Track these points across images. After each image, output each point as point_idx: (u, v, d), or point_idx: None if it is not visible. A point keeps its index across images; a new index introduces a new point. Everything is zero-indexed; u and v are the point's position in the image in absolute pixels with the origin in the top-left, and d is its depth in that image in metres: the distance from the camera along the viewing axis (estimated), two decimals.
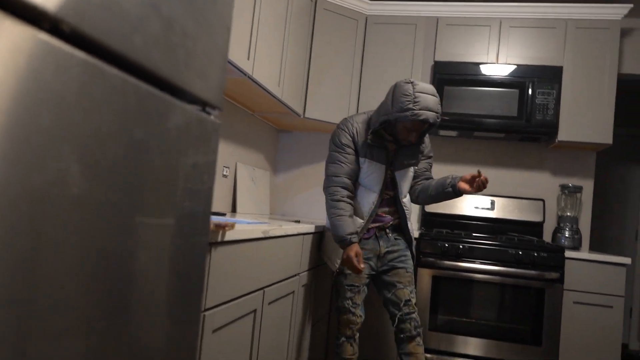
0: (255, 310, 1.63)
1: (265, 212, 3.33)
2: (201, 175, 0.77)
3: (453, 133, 3.28)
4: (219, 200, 2.75)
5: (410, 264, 2.35)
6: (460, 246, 2.76)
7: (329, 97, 3.17)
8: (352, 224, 2.18)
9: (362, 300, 2.31)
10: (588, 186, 3.29)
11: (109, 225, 0.60)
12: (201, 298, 1.15)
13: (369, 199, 2.28)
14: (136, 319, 0.71)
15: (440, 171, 3.46)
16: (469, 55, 3.14)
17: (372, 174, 2.25)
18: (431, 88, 2.10)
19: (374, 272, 2.34)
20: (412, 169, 2.35)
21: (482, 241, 2.76)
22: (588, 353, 2.65)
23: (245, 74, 2.17)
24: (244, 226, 1.52)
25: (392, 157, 2.29)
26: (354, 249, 2.12)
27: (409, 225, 2.35)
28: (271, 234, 1.67)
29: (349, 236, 2.14)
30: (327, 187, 2.26)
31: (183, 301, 0.98)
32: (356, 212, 2.30)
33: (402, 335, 2.28)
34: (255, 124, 3.19)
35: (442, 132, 3.30)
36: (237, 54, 2.04)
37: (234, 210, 2.93)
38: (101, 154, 0.57)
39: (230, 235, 1.32)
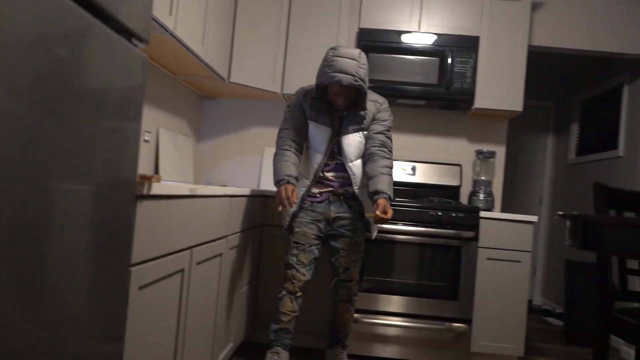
0: (183, 270, 1.59)
1: (188, 180, 3.24)
2: (128, 107, 0.73)
3: None
4: (141, 166, 2.64)
5: (358, 233, 2.43)
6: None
7: (255, 62, 3.11)
8: (294, 170, 2.26)
9: (308, 260, 2.37)
10: (500, 152, 3.50)
11: (33, 147, 0.56)
12: (130, 252, 1.11)
13: (315, 159, 2.38)
14: (53, 282, 0.67)
15: None
16: (392, 23, 3.20)
17: (317, 135, 2.36)
18: (352, 52, 2.19)
19: (322, 235, 2.42)
20: (360, 135, 2.38)
21: (404, 204, 2.87)
22: (499, 304, 2.85)
23: (167, 30, 2.07)
24: (171, 184, 1.48)
25: (338, 123, 2.37)
26: (289, 187, 2.18)
27: (356, 190, 2.39)
28: (198, 192, 1.63)
29: (287, 177, 2.22)
30: (277, 142, 2.39)
31: (109, 256, 0.94)
32: (304, 172, 2.43)
33: (335, 298, 2.47)
34: (177, 88, 3.08)
35: None
36: (158, 8, 1.94)
37: None
38: (19, 64, 0.52)
39: (156, 189, 1.27)
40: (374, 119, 2.39)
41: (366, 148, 2.38)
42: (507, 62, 3.18)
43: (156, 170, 2.83)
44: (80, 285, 0.79)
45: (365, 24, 3.20)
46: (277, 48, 3.18)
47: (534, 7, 3.48)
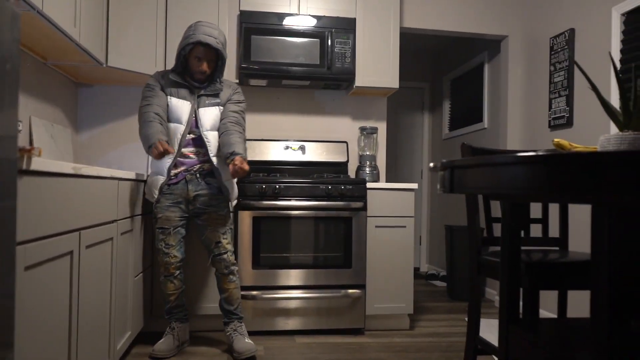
0: (72, 252, 1.53)
1: None
2: (3, 62, 0.71)
3: (263, 82, 3.40)
4: None
5: (221, 206, 2.55)
6: (277, 186, 2.93)
7: (134, 46, 3.00)
8: (163, 136, 2.37)
9: (177, 241, 2.52)
10: (382, 127, 3.72)
11: None
12: (14, 230, 1.07)
13: (177, 131, 2.50)
14: None
15: (254, 121, 3.57)
16: (273, 6, 3.26)
17: (178, 109, 2.52)
18: (214, 25, 2.55)
19: (186, 215, 2.55)
20: (217, 110, 2.58)
21: (296, 179, 2.96)
22: (389, 268, 3.06)
23: (33, 8, 1.94)
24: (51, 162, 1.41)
25: (196, 97, 2.56)
26: (162, 141, 2.32)
27: (213, 159, 2.51)
28: (83, 171, 1.57)
29: (158, 138, 2.34)
30: (140, 117, 2.49)
31: None
32: (160, 162, 2.50)
33: (216, 274, 2.57)
34: (49, 75, 2.88)
35: (253, 82, 3.40)
36: None
37: None
38: None
39: (38, 165, 1.22)
40: (229, 100, 2.61)
41: (222, 123, 2.55)
42: (383, 42, 3.39)
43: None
44: None
45: (246, 6, 3.22)
46: (156, 30, 3.10)
47: None
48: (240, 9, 3.22)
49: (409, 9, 3.75)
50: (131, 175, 2.27)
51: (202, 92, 2.57)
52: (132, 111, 3.45)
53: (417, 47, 5.36)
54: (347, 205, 2.97)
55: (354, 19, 3.31)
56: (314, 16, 3.25)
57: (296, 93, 3.63)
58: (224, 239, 2.53)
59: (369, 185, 3.05)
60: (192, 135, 2.55)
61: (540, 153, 1.04)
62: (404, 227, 3.09)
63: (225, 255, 2.53)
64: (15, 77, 0.75)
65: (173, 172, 2.51)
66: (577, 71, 3.20)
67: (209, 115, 2.56)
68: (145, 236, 2.66)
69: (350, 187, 3.00)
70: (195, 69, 2.50)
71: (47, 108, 2.88)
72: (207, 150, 2.53)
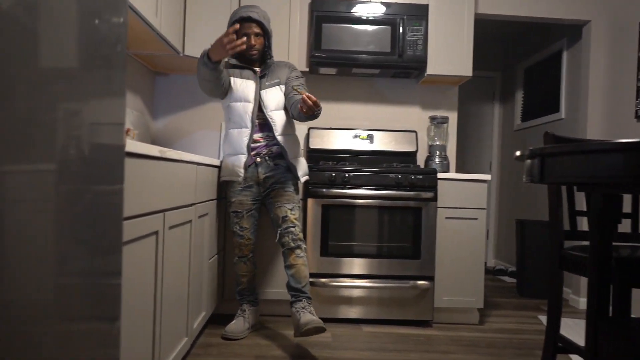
0: (157, 232, 1.60)
1: None
2: (115, 42, 0.74)
3: (332, 70, 3.39)
4: None
5: (289, 184, 2.60)
6: (346, 174, 2.92)
7: (210, 34, 3.07)
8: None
9: (251, 224, 2.61)
10: (453, 117, 3.63)
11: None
12: (122, 210, 1.12)
13: (246, 110, 2.56)
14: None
15: (322, 109, 3.57)
16: None
17: (244, 88, 2.57)
18: (256, 5, 2.67)
19: (258, 199, 2.63)
20: (278, 90, 2.61)
21: (365, 168, 2.94)
22: (459, 260, 2.99)
23: None
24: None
25: (258, 79, 2.61)
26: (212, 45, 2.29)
27: (279, 138, 2.56)
28: (168, 155, 1.63)
29: (201, 56, 2.35)
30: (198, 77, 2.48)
31: (103, 209, 0.95)
32: (236, 143, 2.57)
33: (283, 250, 2.54)
34: (130, 64, 3.01)
35: (322, 70, 3.39)
36: None
37: None
38: None
39: (131, 147, 1.27)
40: (288, 78, 2.63)
41: (288, 99, 2.57)
42: (456, 29, 3.29)
43: None
44: (69, 243, 0.80)
45: None
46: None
47: None
48: None
49: None
50: (208, 160, 2.34)
51: (263, 76, 2.62)
52: (204, 99, 3.54)
53: (488, 34, 5.17)
54: (417, 195, 2.92)
55: (427, 5, 3.23)
56: (384, 3, 3.20)
57: (365, 82, 3.60)
58: (291, 213, 2.54)
59: (439, 175, 2.99)
60: (259, 120, 2.59)
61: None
62: (476, 219, 3.00)
63: (292, 229, 2.51)
64: (122, 60, 0.78)
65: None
66: None
67: (272, 95, 2.59)
68: (219, 220, 2.73)
69: (421, 176, 2.95)
70: (247, 45, 2.51)
71: (129, 96, 3.01)
72: (273, 131, 2.57)
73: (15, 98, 0.56)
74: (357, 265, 2.94)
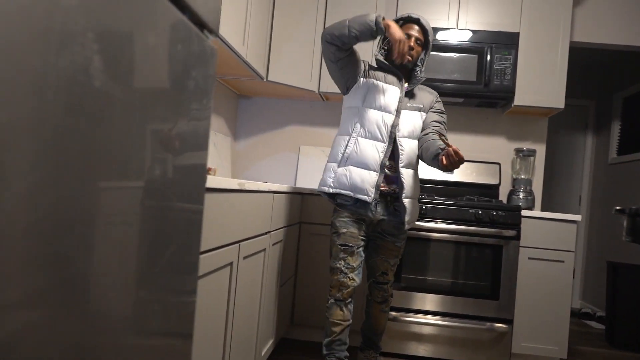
0: (231, 263, 1.61)
1: (226, 177, 3.28)
2: (201, 98, 0.75)
3: None
4: None
5: (400, 238, 2.25)
6: (424, 207, 2.83)
7: (292, 61, 3.13)
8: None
9: (357, 263, 2.17)
10: (540, 150, 3.43)
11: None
12: (199, 242, 1.13)
13: (385, 122, 2.12)
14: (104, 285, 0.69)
15: None
16: (431, 20, 3.18)
17: (385, 92, 2.14)
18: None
19: (366, 236, 2.23)
20: (418, 116, 2.20)
21: (444, 201, 2.84)
22: (541, 305, 2.80)
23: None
24: (220, 178, 1.50)
25: (403, 92, 2.19)
26: (389, 21, 1.96)
27: (401, 168, 2.12)
28: (247, 187, 1.65)
29: (371, 15, 1.96)
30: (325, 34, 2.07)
31: (182, 243, 0.96)
32: (371, 160, 2.11)
33: (370, 299, 2.40)
34: (216, 88, 3.12)
35: None
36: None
37: None
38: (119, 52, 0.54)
39: (210, 183, 1.30)
40: (432, 108, 2.25)
41: (423, 133, 2.19)
42: (548, 58, 3.12)
43: None
44: (148, 276, 0.81)
45: None
46: (314, 44, 3.19)
47: (576, 2, 3.41)
48: None
49: (581, 22, 3.41)
50: (285, 188, 2.35)
51: (409, 87, 2.21)
52: (286, 122, 3.60)
53: (582, 61, 4.88)
54: (498, 232, 2.77)
55: (517, 34, 3.10)
56: (472, 30, 3.10)
57: (448, 109, 3.50)
58: (391, 270, 2.31)
59: (524, 212, 2.82)
60: (390, 146, 2.15)
61: None
62: (562, 261, 2.80)
63: (386, 286, 2.34)
64: (208, 114, 0.78)
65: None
66: None
67: (409, 118, 2.16)
68: (292, 246, 2.73)
69: (503, 213, 2.80)
70: (395, 51, 2.05)
71: (213, 118, 3.11)
72: (398, 160, 2.13)
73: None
74: (430, 301, 2.83)
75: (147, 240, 0.77)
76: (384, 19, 1.97)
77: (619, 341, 3.57)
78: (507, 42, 3.09)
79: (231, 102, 3.45)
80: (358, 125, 2.15)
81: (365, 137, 2.13)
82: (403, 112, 2.15)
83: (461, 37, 3.10)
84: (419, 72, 2.21)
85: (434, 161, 2.04)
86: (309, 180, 3.52)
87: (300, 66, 3.15)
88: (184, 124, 0.72)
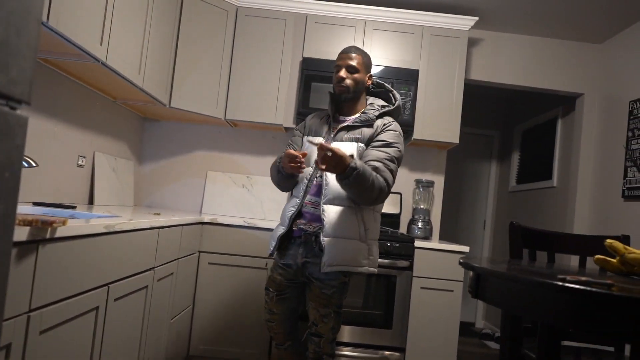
0: (97, 308, 1.57)
1: (128, 203, 3.20)
2: (2, 172, 0.73)
3: None
4: (73, 191, 2.59)
5: (329, 284, 1.99)
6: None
7: (198, 88, 3.11)
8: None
9: (280, 310, 2.11)
10: (439, 181, 3.60)
11: None
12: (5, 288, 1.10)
13: (303, 177, 2.08)
14: None
15: None
16: (335, 54, 3.27)
17: (308, 149, 2.08)
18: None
19: (296, 282, 2.10)
20: (354, 147, 2.01)
21: None
22: (432, 332, 2.91)
23: (97, 60, 2.06)
24: (84, 221, 1.46)
25: (332, 131, 2.11)
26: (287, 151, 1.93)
27: (322, 203, 1.97)
28: (117, 228, 1.62)
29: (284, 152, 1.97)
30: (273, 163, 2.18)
31: None
32: (294, 191, 2.13)
33: (307, 353, 2.16)
34: (117, 111, 3.05)
35: None
36: (87, 38, 1.93)
37: (91, 202, 2.78)
38: None
39: (63, 232, 1.26)
40: (373, 137, 2.03)
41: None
42: (445, 95, 3.29)
43: (91, 195, 2.78)
44: None
45: (309, 54, 3.26)
46: (220, 73, 3.19)
47: (471, 43, 3.63)
48: (303, 55, 3.26)
49: (477, 62, 3.63)
50: (176, 221, 2.32)
51: (343, 127, 2.07)
52: (194, 147, 3.56)
53: (489, 94, 5.19)
54: (393, 263, 2.87)
55: (417, 71, 3.25)
56: (376, 65, 3.22)
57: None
58: (322, 322, 2.03)
59: (417, 243, 2.94)
60: (316, 181, 2.06)
61: (573, 280, 0.93)
62: (451, 291, 2.94)
63: (318, 340, 2.06)
64: (13, 191, 0.77)
65: (295, 226, 2.05)
66: None
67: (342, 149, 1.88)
68: (187, 277, 2.69)
69: (397, 244, 2.90)
70: (334, 81, 2.09)
71: (113, 142, 3.03)
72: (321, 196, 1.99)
73: None
74: None
75: None
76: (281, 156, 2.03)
77: None
78: (407, 78, 3.23)
79: (135, 125, 3.38)
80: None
81: (290, 196, 2.18)
82: (336, 144, 2.01)
83: None
84: (369, 104, 2.12)
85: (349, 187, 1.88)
86: (216, 207, 3.49)
87: (206, 93, 3.14)
88: None
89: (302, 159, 1.90)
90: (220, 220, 2.88)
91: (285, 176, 2.08)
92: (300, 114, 3.17)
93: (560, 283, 0.93)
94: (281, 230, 2.07)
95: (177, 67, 3.03)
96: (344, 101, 2.11)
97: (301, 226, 2.04)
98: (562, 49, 3.68)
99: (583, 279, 0.95)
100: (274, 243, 2.09)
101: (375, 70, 3.21)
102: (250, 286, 2.88)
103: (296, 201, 2.06)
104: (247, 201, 3.53)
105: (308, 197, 2.05)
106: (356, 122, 2.07)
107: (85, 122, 2.65)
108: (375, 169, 1.91)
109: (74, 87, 2.48)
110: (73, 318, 1.42)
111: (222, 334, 2.86)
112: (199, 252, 2.87)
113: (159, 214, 2.50)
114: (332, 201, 1.97)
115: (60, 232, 1.25)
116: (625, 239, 1.95)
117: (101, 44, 2.06)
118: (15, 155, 0.78)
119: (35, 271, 1.19)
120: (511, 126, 5.16)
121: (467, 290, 1.26)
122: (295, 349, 2.23)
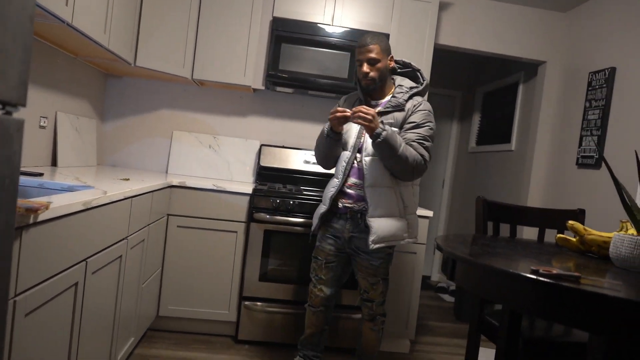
0: (76, 283, 1.57)
1: (91, 163, 3.12)
2: (2, 179, 0.72)
3: (289, 90, 3.38)
4: (37, 154, 2.51)
5: (375, 256, 2.23)
6: (291, 202, 2.93)
7: (164, 46, 3.00)
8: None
9: (328, 277, 2.34)
10: None
11: None
12: (7, 288, 1.10)
13: (341, 160, 2.26)
14: None
15: (277, 126, 3.56)
16: (306, 14, 3.21)
17: (346, 133, 2.26)
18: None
19: (343, 253, 2.32)
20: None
21: (310, 196, 2.96)
22: (395, 293, 3.06)
23: (63, 21, 1.96)
24: (62, 199, 1.44)
25: None
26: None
27: (366, 188, 2.14)
28: (94, 204, 1.60)
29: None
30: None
31: None
32: (335, 172, 2.32)
33: (360, 315, 2.41)
34: (79, 68, 2.92)
35: (279, 89, 3.38)
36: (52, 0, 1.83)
37: (54, 164, 2.70)
38: None
39: (44, 215, 1.25)
40: (406, 120, 2.17)
41: None
42: (415, 58, 3.31)
43: (54, 156, 2.70)
44: None
45: (279, 13, 3.18)
46: (187, 33, 3.09)
47: (442, 7, 3.63)
48: (274, 15, 3.18)
49: (445, 27, 3.65)
50: (148, 188, 2.29)
51: (375, 109, 2.17)
52: (159, 105, 3.48)
53: (453, 55, 5.23)
54: None
55: (388, 35, 3.24)
56: (347, 28, 3.19)
57: (322, 102, 3.60)
58: (372, 289, 2.27)
59: None
60: (356, 164, 2.21)
61: (543, 273, 1.01)
62: (415, 253, 3.07)
63: (371, 304, 2.30)
64: (12, 197, 0.76)
65: (340, 204, 2.24)
66: (612, 111, 3.08)
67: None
68: (157, 241, 2.70)
69: None
70: (359, 75, 2.22)
71: (75, 101, 2.92)
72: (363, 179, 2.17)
73: None
74: (292, 291, 2.96)
75: None
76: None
77: (463, 315, 4.03)
78: None
79: (97, 82, 3.25)
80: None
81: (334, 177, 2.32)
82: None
83: (336, 33, 3.18)
84: (397, 87, 2.24)
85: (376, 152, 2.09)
86: (181, 167, 3.46)
87: (172, 52, 3.04)
88: None
89: (349, 114, 2.04)
90: (189, 183, 2.87)
91: (329, 144, 2.23)
92: (270, 76, 3.13)
93: (533, 276, 1.01)
94: (323, 209, 2.29)
95: (143, 24, 2.91)
96: (372, 90, 2.25)
97: (347, 205, 2.22)
98: (528, 16, 3.74)
99: (554, 271, 1.03)
100: (317, 221, 2.33)
101: (344, 33, 3.17)
102: (218, 248, 2.92)
103: (336, 182, 2.25)
104: (214, 162, 3.51)
105: (350, 179, 2.22)
106: (387, 107, 2.19)
107: (46, 81, 2.54)
108: (412, 144, 2.11)
109: (34, 45, 2.36)
110: (55, 297, 1.42)
111: (191, 294, 2.91)
112: (168, 215, 2.87)
113: (128, 179, 2.46)
114: (374, 184, 2.14)
115: (42, 216, 1.24)
116: (581, 213, 2.09)
117: (66, 5, 1.95)
118: (15, 160, 0.76)
119: (20, 257, 1.18)
120: (473, 88, 5.25)
121: (441, 273, 1.34)
122: (323, 315, 2.41)
